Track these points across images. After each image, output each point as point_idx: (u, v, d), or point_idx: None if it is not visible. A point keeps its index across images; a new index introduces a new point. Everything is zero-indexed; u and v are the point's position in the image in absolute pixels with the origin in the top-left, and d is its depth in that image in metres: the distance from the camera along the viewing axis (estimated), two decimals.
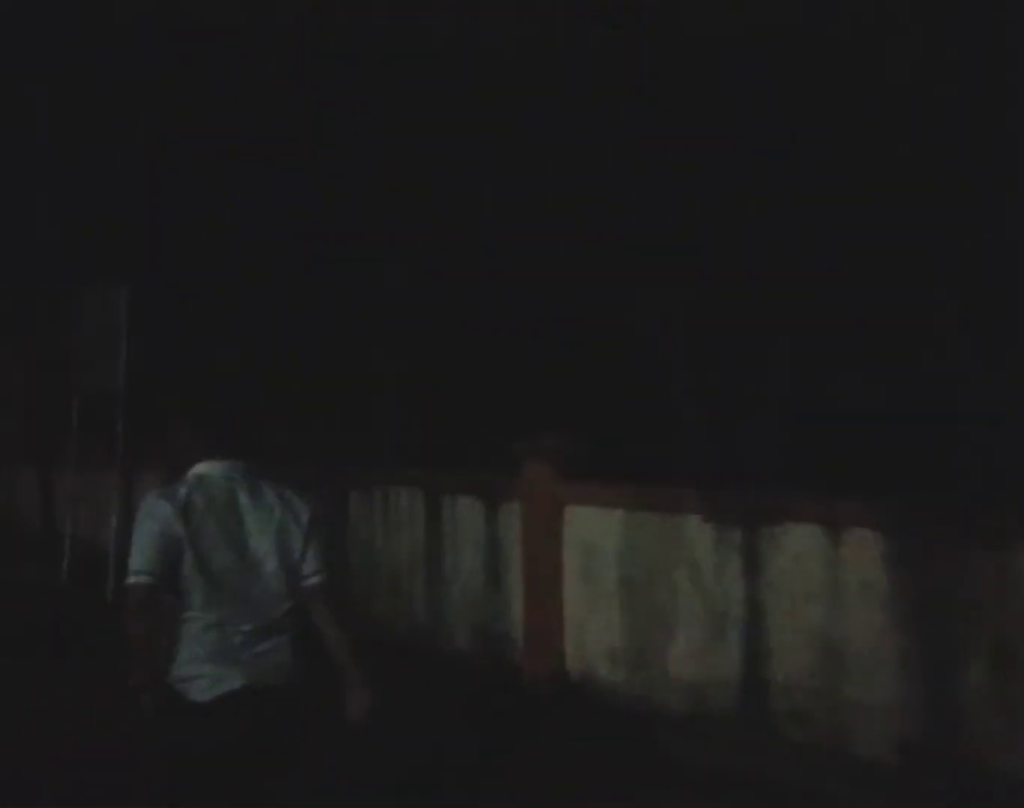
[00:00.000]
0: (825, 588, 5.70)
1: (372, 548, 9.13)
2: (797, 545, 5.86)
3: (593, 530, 7.13)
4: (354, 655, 3.54)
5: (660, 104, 9.97)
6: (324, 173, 13.36)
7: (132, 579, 3.30)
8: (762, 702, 5.99)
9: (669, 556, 6.57)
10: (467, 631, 8.11)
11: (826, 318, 11.80)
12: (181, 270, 13.83)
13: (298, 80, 13.20)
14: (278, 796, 3.40)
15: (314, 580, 3.48)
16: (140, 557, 3.31)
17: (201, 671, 3.30)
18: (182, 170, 13.47)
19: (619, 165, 11.52)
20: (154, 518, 3.35)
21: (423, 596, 8.50)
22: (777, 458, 11.40)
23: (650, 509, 6.72)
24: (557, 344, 17.18)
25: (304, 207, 14.02)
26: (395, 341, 17.52)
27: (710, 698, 6.28)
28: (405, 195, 14.50)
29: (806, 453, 10.08)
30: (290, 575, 3.45)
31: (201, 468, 3.48)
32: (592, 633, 7.11)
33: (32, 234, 14.74)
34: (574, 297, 15.95)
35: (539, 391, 15.68)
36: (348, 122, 13.22)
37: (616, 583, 6.94)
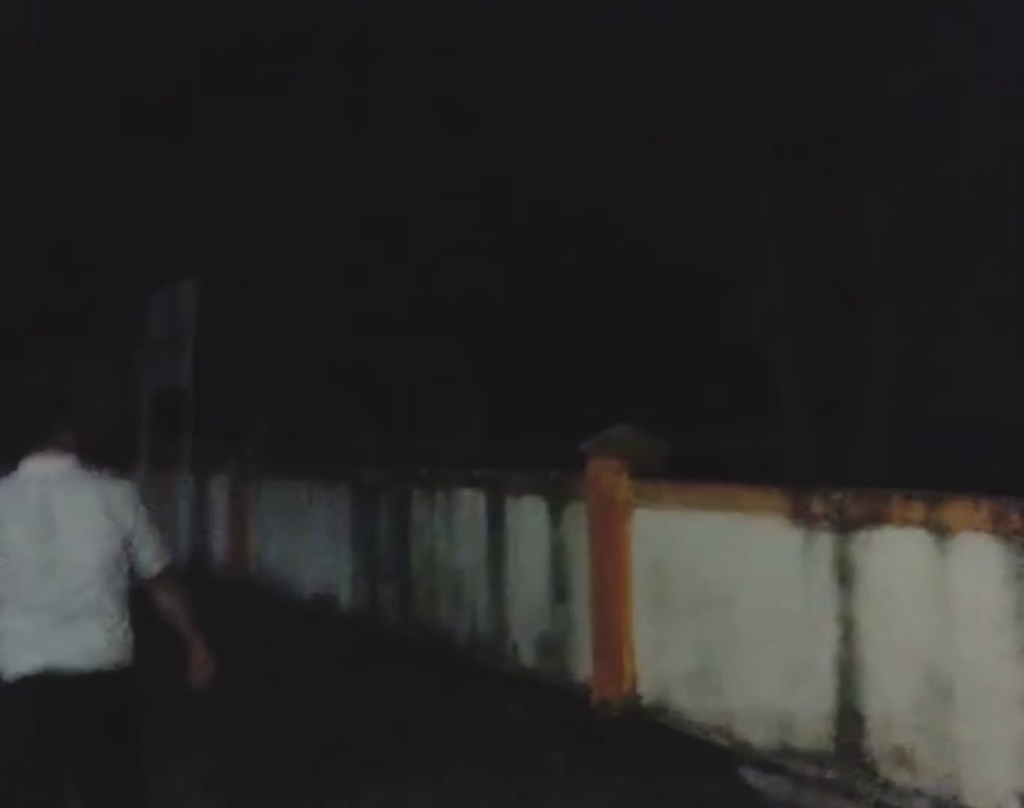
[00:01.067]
0: (932, 605, 4.86)
1: (435, 552, 8.50)
2: (899, 553, 5.03)
3: (665, 535, 6.37)
4: (194, 628, 3.85)
5: None
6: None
7: None
8: (857, 738, 5.16)
9: (751, 566, 5.78)
10: (531, 645, 7.41)
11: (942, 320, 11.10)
12: (250, 269, 13.53)
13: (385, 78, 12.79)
14: (99, 766, 3.65)
15: (153, 567, 3.76)
16: None
17: (12, 651, 3.59)
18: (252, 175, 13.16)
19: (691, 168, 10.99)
20: None
21: (486, 605, 7.84)
22: (884, 466, 10.57)
23: (729, 511, 5.93)
24: (640, 338, 16.55)
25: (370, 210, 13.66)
26: (463, 336, 17.12)
27: (798, 731, 5.47)
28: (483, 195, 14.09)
29: (915, 463, 9.23)
30: (110, 566, 3.65)
31: (24, 467, 3.67)
32: (664, 652, 6.35)
33: (108, 233, 14.52)
34: (666, 291, 15.39)
35: (620, 384, 15.03)
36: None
37: (691, 596, 6.16)
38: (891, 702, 5.02)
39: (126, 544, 3.70)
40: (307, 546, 10.55)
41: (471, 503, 8.02)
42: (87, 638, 3.63)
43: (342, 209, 13.95)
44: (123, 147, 14.33)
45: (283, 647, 9.14)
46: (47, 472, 3.67)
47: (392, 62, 12.91)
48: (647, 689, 6.46)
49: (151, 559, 3.77)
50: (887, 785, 5.01)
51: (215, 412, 14.21)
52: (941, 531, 4.82)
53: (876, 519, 5.13)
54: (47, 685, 3.58)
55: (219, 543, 12.62)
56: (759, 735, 5.69)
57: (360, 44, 12.82)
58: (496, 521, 7.77)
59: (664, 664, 6.35)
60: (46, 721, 3.59)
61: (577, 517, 6.98)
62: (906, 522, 4.99)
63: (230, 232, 13.44)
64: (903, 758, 4.94)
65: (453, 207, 13.99)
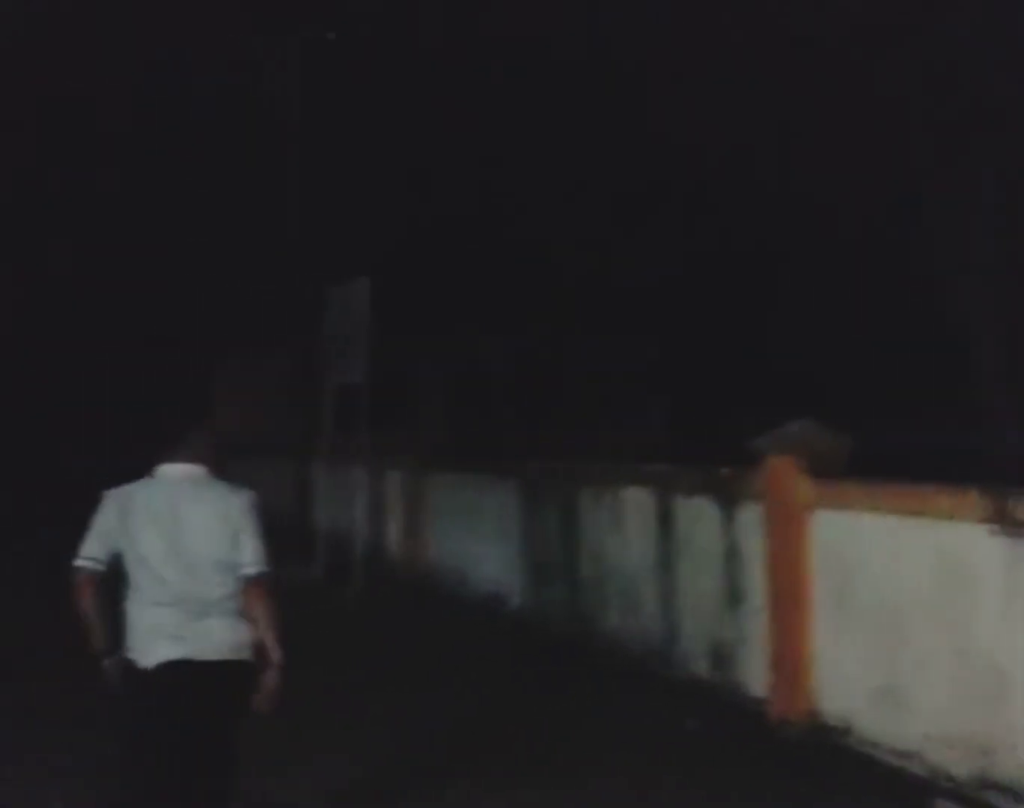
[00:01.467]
0: None
1: (603, 553, 8.17)
2: None
3: (848, 539, 5.84)
4: (273, 644, 3.96)
5: None
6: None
7: (79, 563, 3.95)
8: None
9: (944, 575, 5.21)
10: (705, 654, 6.99)
11: None
12: (424, 263, 13.57)
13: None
14: (217, 751, 3.94)
15: (246, 571, 3.96)
16: (87, 545, 3.97)
17: (140, 642, 3.90)
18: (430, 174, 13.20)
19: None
20: (104, 511, 3.99)
21: (655, 610, 7.46)
22: None
23: (921, 515, 5.37)
24: (833, 330, 15.79)
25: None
26: (648, 330, 16.73)
27: (999, 762, 4.89)
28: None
29: None
30: (226, 565, 3.92)
31: (160, 470, 4.00)
32: (849, 668, 5.82)
33: (288, 233, 14.83)
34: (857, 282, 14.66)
35: (800, 377, 14.34)
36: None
37: (877, 606, 5.62)
38: None
39: (233, 546, 3.97)
40: (478, 543, 10.41)
41: (640, 502, 7.66)
42: (211, 631, 3.93)
43: (524, 200, 13.81)
44: (304, 147, 14.59)
45: (449, 646, 9.01)
46: (178, 476, 4.01)
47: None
48: (829, 707, 5.96)
49: (248, 563, 3.99)
50: None
51: (391, 407, 14.29)
52: None
53: None
54: (175, 674, 3.88)
55: (394, 538, 12.65)
56: (956, 763, 5.13)
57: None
58: (666, 521, 7.38)
59: (848, 680, 5.83)
60: (172, 706, 3.89)
61: (753, 519, 6.52)
62: None
63: (404, 225, 13.49)
64: None
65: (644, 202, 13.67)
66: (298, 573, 12.92)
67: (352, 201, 13.96)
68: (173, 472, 4.00)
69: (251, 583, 3.98)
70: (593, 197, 13.56)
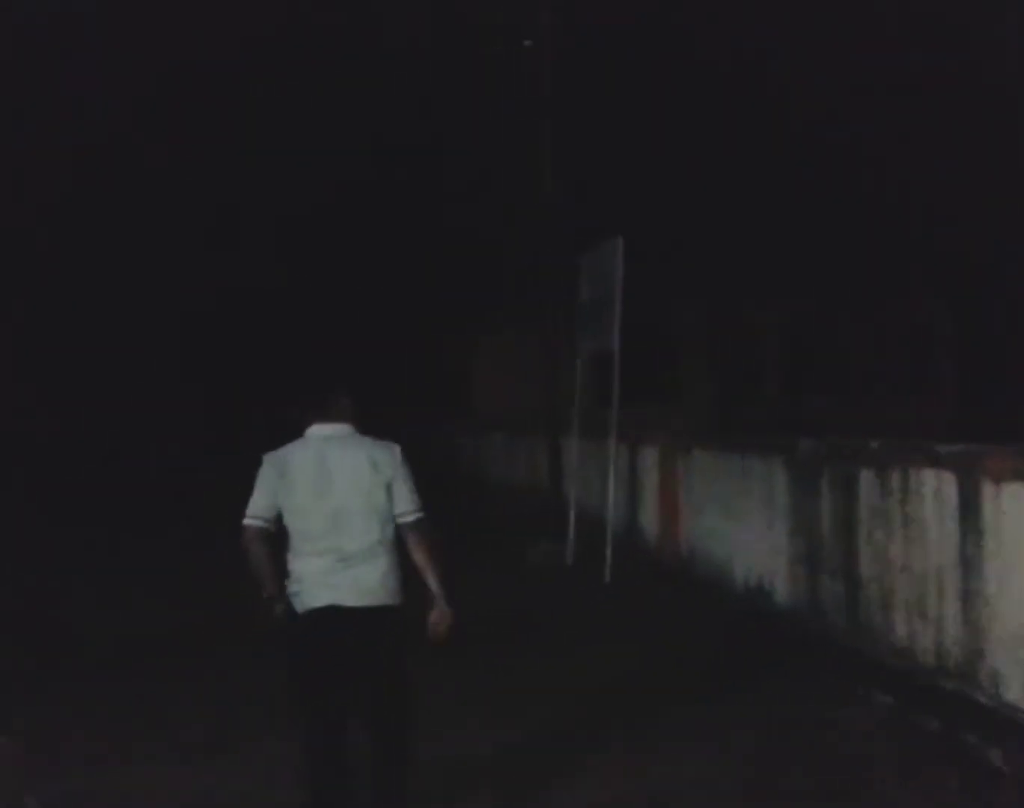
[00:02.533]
0: None
1: (889, 546, 6.96)
2: None
3: None
4: (440, 581, 4.30)
5: None
6: None
7: (246, 521, 4.35)
8: None
9: None
10: (1018, 675, 5.71)
11: None
12: (684, 223, 12.57)
13: None
14: (380, 692, 4.32)
15: (405, 519, 4.30)
16: (252, 504, 4.37)
17: (303, 588, 4.27)
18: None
19: None
20: (264, 473, 4.37)
21: (956, 619, 6.21)
22: None
23: None
24: None
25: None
26: (938, 293, 14.99)
27: None
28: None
29: None
30: (375, 513, 4.26)
31: (310, 430, 4.39)
32: None
33: (545, 196, 14.14)
34: None
35: None
36: None
37: None
38: None
39: (388, 497, 4.30)
40: (740, 528, 9.36)
41: (936, 488, 6.41)
42: (365, 579, 4.25)
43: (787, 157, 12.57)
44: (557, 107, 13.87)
45: (703, 643, 8.06)
46: (327, 434, 4.38)
47: None
48: None
49: (404, 511, 4.33)
50: None
51: (651, 378, 13.42)
52: None
53: None
54: (332, 618, 4.24)
55: (649, 518, 11.78)
56: None
57: None
58: (969, 512, 6.11)
59: None
60: (331, 649, 4.27)
61: None
62: None
63: (659, 184, 12.50)
64: None
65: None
66: (549, 552, 12.30)
67: (606, 159, 13.11)
68: (322, 431, 4.40)
69: (410, 529, 4.34)
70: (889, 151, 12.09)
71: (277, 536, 4.41)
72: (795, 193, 12.85)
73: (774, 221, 13.11)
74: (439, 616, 4.33)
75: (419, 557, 4.33)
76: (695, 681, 7.05)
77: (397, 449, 4.40)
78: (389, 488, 4.31)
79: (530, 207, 14.01)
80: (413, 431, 25.72)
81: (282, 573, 4.38)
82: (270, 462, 4.40)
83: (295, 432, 4.52)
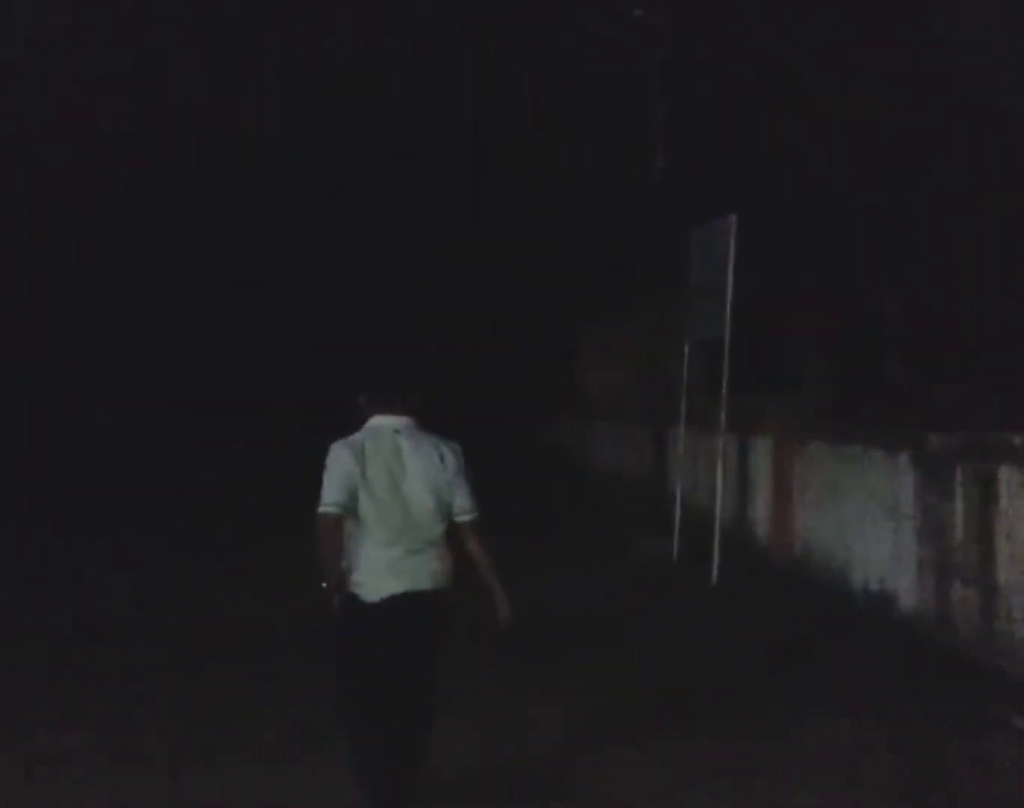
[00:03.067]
0: None
1: None
2: None
3: None
4: (495, 578, 4.46)
5: None
6: None
7: (322, 509, 4.31)
8: None
9: None
10: None
11: None
12: (797, 199, 11.79)
13: None
14: (427, 670, 4.42)
15: (463, 518, 4.45)
16: (327, 491, 4.32)
17: (370, 579, 4.34)
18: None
19: None
20: (338, 460, 4.36)
21: None
22: None
23: None
24: None
25: None
26: None
27: None
28: None
29: None
30: (441, 507, 4.40)
31: (375, 421, 4.46)
32: None
33: (653, 172, 13.48)
34: None
35: None
36: None
37: None
38: None
39: (448, 492, 4.38)
40: (860, 528, 8.63)
41: None
42: (425, 565, 4.33)
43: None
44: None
45: (821, 652, 7.39)
46: (395, 425, 4.40)
47: None
48: None
49: (461, 509, 4.40)
50: None
51: (766, 366, 12.69)
52: None
53: None
54: (396, 605, 4.28)
55: (760, 516, 11.07)
56: None
57: None
58: None
59: None
60: (392, 636, 4.29)
61: None
62: None
63: (776, 158, 11.72)
64: None
65: None
66: (652, 547, 11.70)
67: (718, 132, 12.38)
68: (389, 422, 4.42)
69: (467, 528, 4.43)
70: None
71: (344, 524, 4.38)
72: (933, 163, 11.90)
73: (903, 198, 12.20)
74: (502, 607, 4.45)
75: (476, 556, 4.44)
76: (813, 700, 6.39)
77: (459, 448, 4.50)
78: (449, 484, 4.39)
79: (637, 184, 13.36)
80: (515, 421, 25.43)
81: (345, 562, 4.36)
82: (345, 449, 4.36)
83: (342, 425, 4.57)
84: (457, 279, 22.07)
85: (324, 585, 4.26)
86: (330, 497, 4.28)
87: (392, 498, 4.31)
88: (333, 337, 23.22)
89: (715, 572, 10.15)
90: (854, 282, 13.32)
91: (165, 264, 21.45)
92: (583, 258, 16.90)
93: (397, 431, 4.39)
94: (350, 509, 4.29)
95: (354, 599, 4.29)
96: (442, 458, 4.39)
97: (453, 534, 4.45)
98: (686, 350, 11.85)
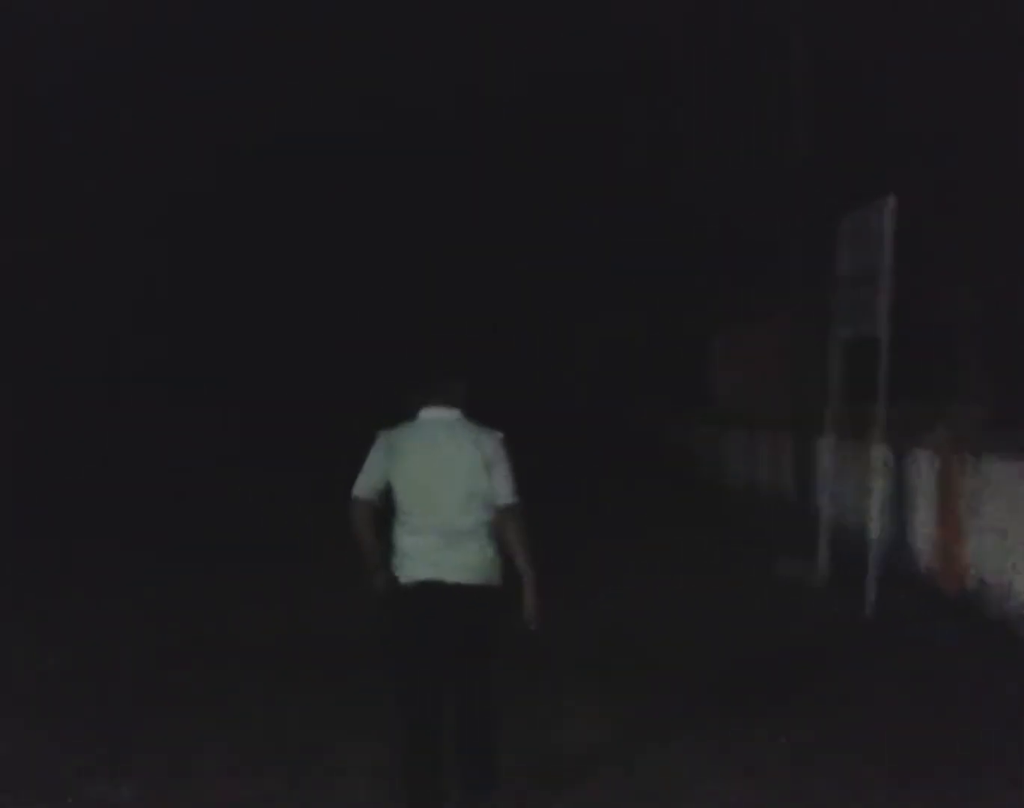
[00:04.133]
0: None
1: None
2: None
3: None
4: (528, 563, 4.51)
5: None
6: None
7: (354, 494, 4.60)
8: None
9: None
10: None
11: None
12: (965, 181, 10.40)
13: None
14: (469, 670, 4.52)
15: (501, 502, 4.54)
16: (361, 479, 4.61)
17: (404, 563, 4.53)
18: None
19: None
20: (376, 449, 4.63)
21: None
22: None
23: None
24: None
25: None
26: None
27: None
28: None
29: None
30: (476, 498, 4.52)
31: (423, 413, 4.64)
32: None
33: (797, 152, 12.19)
34: None
35: None
36: None
37: None
38: None
39: (489, 481, 4.51)
40: None
41: None
42: (465, 557, 4.49)
43: None
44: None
45: (1007, 716, 6.10)
46: (438, 418, 4.61)
47: None
48: None
49: (502, 495, 4.54)
50: None
51: (922, 367, 11.34)
52: None
53: None
54: (433, 592, 4.46)
55: (922, 540, 9.73)
56: None
57: None
58: None
59: None
60: (430, 622, 4.48)
61: None
62: None
63: (936, 137, 10.35)
64: None
65: None
66: (796, 569, 10.47)
67: (869, 109, 11.06)
68: (433, 415, 4.59)
69: (505, 512, 4.51)
70: None
71: (383, 511, 4.60)
72: None
73: None
74: (531, 595, 4.48)
75: (510, 538, 4.50)
76: (1009, 779, 5.17)
77: (499, 436, 4.60)
78: (490, 472, 4.49)
79: (778, 167, 12.11)
80: (643, 425, 24.24)
81: (387, 547, 4.58)
82: (384, 439, 4.60)
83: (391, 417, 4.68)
84: (577, 267, 21.05)
85: (366, 566, 4.50)
86: (360, 483, 4.56)
87: (425, 488, 4.48)
88: (376, 326, 22.33)
89: (871, 603, 8.89)
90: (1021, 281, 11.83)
91: (193, 262, 20.80)
92: (716, 247, 15.69)
93: (437, 422, 4.55)
94: (379, 496, 4.55)
95: (394, 581, 4.50)
96: (479, 447, 4.50)
97: (499, 527, 4.51)
98: (834, 350, 10.58)
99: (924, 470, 9.71)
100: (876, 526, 9.29)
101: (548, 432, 22.13)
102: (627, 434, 23.63)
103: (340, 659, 7.31)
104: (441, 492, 4.47)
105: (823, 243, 10.96)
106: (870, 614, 8.83)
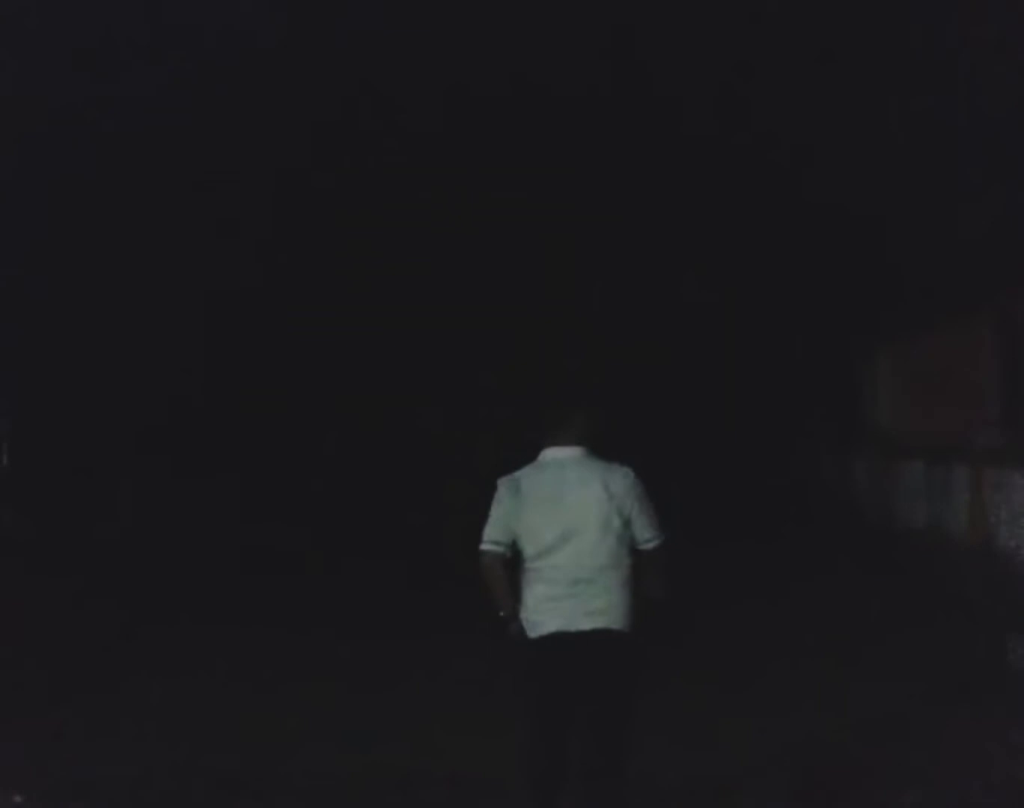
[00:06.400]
0: None
1: None
2: None
3: None
4: (658, 584, 4.61)
5: None
6: None
7: (483, 546, 4.68)
8: None
9: None
10: None
11: None
12: None
13: None
14: (602, 719, 4.51)
15: (646, 546, 4.58)
16: (488, 529, 4.68)
17: (534, 614, 4.57)
18: None
19: None
20: (499, 498, 4.67)
21: None
22: None
23: None
24: None
25: None
26: None
27: None
28: None
29: None
30: (607, 539, 4.49)
31: (545, 453, 4.67)
32: None
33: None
34: None
35: None
36: None
37: None
38: None
39: (624, 520, 4.52)
40: None
41: None
42: (593, 602, 4.45)
43: None
44: None
45: None
46: (562, 457, 4.61)
47: None
48: None
49: (645, 539, 4.56)
50: None
51: None
52: None
53: None
54: (561, 644, 4.48)
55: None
56: None
57: None
58: None
59: None
60: (560, 674, 4.50)
61: None
62: None
63: None
64: None
65: None
66: (1000, 646, 8.26)
67: None
68: (557, 455, 4.62)
69: (654, 552, 4.59)
70: None
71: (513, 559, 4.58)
72: None
73: None
74: (654, 589, 4.55)
75: (650, 572, 4.54)
76: None
77: (631, 472, 4.54)
78: (623, 513, 4.48)
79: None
80: (788, 458, 21.91)
81: (517, 595, 4.58)
82: (506, 487, 4.61)
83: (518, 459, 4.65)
84: (714, 287, 19.10)
85: (501, 614, 4.58)
86: (488, 535, 4.63)
87: (550, 533, 4.47)
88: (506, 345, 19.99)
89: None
90: None
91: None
92: (876, 255, 13.62)
93: (560, 462, 4.54)
94: (508, 545, 4.60)
95: (523, 635, 4.55)
96: (606, 485, 4.48)
97: (629, 569, 4.48)
98: None
99: None
100: None
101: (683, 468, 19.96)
102: (774, 474, 21.32)
103: None
104: (566, 536, 4.46)
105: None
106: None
